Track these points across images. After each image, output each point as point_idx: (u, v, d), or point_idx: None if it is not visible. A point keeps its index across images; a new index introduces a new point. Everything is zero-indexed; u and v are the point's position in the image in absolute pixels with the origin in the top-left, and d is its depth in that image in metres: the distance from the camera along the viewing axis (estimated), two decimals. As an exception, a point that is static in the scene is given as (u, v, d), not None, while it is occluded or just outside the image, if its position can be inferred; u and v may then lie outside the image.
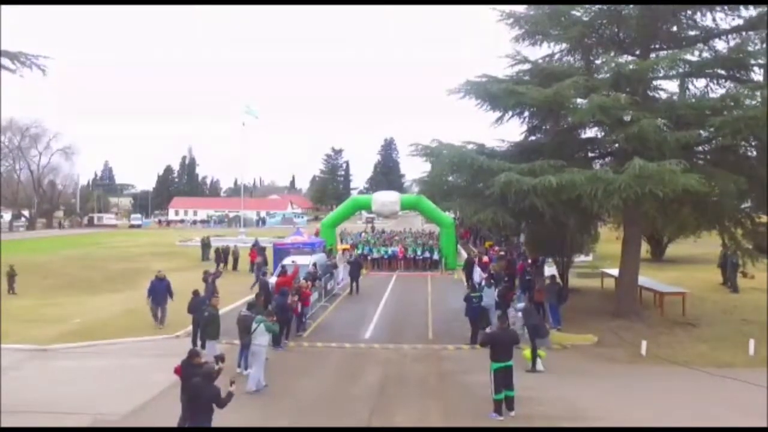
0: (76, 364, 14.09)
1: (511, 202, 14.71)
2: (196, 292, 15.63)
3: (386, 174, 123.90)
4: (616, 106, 14.64)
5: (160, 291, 17.31)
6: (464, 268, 27.85)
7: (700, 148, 16.96)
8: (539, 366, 13.18)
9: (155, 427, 9.80)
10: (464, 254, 34.50)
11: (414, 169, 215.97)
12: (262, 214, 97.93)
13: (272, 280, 20.05)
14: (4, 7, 12.26)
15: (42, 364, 14.07)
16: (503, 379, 10.40)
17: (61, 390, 11.99)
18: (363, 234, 42.04)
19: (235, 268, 31.58)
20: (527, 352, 13.08)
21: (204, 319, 13.62)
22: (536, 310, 15.15)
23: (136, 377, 12.83)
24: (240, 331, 12.95)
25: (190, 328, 15.95)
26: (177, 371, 9.23)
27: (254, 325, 12.19)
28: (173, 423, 9.16)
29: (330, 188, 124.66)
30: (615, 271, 21.17)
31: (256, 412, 10.85)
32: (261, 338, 12.04)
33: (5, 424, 9.88)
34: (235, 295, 21.68)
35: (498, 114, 18.26)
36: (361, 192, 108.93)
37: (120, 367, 13.61)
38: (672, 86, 17.90)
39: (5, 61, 10.95)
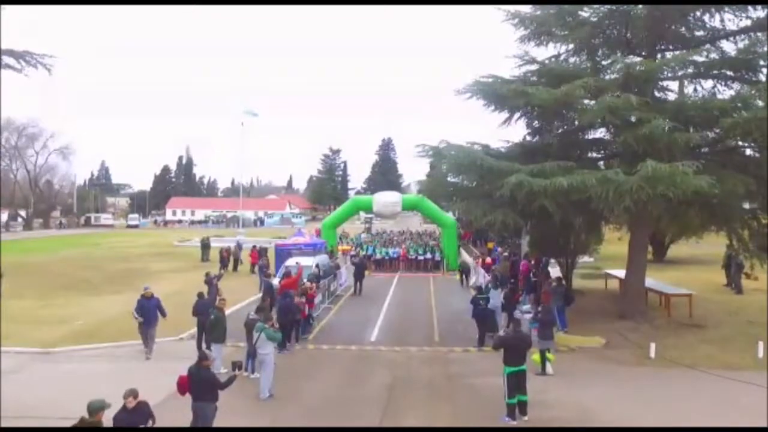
0: (80, 367, 13.94)
1: (520, 203, 14.60)
2: (200, 295, 15.46)
3: (384, 174, 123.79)
4: (626, 108, 14.55)
5: (149, 310, 14.94)
6: (460, 270, 28.30)
7: (707, 148, 16.89)
8: (548, 369, 13.10)
9: (164, 428, 9.66)
10: (465, 256, 34.47)
11: (412, 169, 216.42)
12: (260, 214, 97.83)
13: (275, 281, 19.90)
14: (3, 6, 12.13)
15: (46, 367, 13.91)
16: (516, 384, 10.33)
17: (66, 393, 11.81)
18: (363, 235, 41.96)
19: (235, 269, 31.41)
20: (536, 356, 12.99)
21: (210, 322, 13.48)
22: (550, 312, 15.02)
23: (141, 381, 12.59)
24: (247, 335, 12.83)
25: (193, 330, 15.82)
26: (181, 384, 9.03)
27: (255, 334, 12.04)
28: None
29: (328, 188, 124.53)
30: (618, 272, 21.11)
31: (265, 415, 10.75)
32: (265, 347, 11.84)
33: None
34: (237, 296, 21.54)
35: (505, 115, 18.16)
36: (358, 192, 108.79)
37: (124, 371, 13.43)
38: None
39: (10, 60, 10.80)
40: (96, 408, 7.14)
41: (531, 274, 21.37)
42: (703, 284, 23.37)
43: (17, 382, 12.60)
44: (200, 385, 8.94)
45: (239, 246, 33.57)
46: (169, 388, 11.28)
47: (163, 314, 15.10)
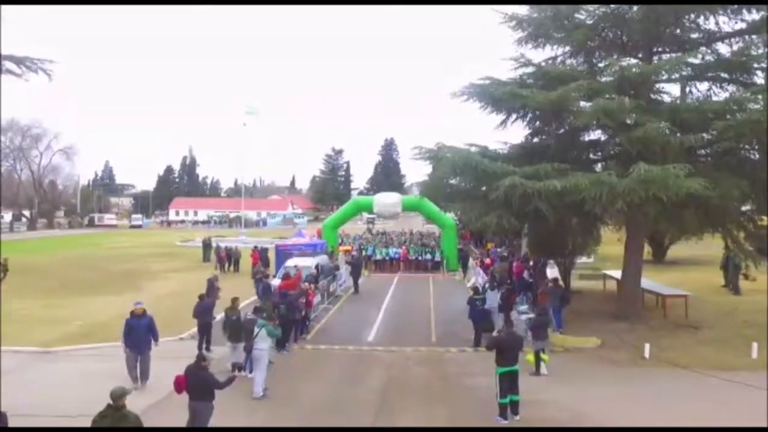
0: (80, 367, 14.06)
1: (515, 205, 14.73)
2: (201, 297, 15.60)
3: (387, 174, 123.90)
4: (620, 110, 14.66)
5: (139, 333, 12.32)
6: (460, 261, 29.26)
7: (702, 151, 16.98)
8: (543, 369, 13.20)
9: (164, 427, 9.80)
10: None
11: (414, 169, 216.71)
12: (263, 214, 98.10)
13: (275, 282, 20.04)
14: (3, 7, 12.24)
15: (45, 367, 14.05)
16: (509, 384, 10.44)
17: (66, 393, 11.98)
18: (364, 234, 42.08)
19: (236, 269, 31.42)
20: (530, 356, 13.09)
21: (231, 323, 13.57)
22: (546, 312, 15.15)
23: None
24: (245, 335, 12.94)
25: (193, 330, 15.97)
26: (178, 383, 9.15)
27: (256, 330, 12.18)
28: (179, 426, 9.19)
29: (330, 188, 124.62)
30: (616, 273, 21.18)
31: (261, 415, 10.88)
32: (262, 343, 12.02)
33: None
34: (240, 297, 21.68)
35: (502, 117, 18.29)
36: (361, 192, 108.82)
37: (124, 370, 13.58)
38: (675, 89, 17.93)
39: (11, 66, 10.96)
40: (119, 394, 7.40)
41: (524, 275, 21.48)
42: (702, 285, 23.41)
43: (19, 381, 12.74)
44: (198, 385, 9.05)
45: (218, 248, 33.96)
46: (168, 387, 11.41)
47: (155, 338, 12.69)
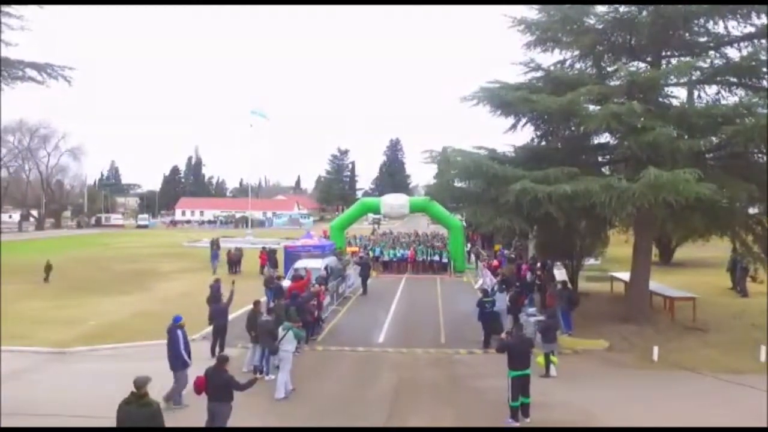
0: (96, 367, 14.27)
1: (526, 209, 14.84)
2: (217, 300, 15.80)
3: (392, 175, 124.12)
4: (629, 114, 14.74)
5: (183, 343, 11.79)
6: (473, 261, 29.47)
7: (710, 154, 17.05)
8: (552, 371, 13.33)
9: (183, 427, 9.97)
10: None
11: (420, 170, 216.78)
12: (269, 214, 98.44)
13: (285, 283, 20.19)
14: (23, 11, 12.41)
15: (62, 368, 14.25)
16: (520, 387, 10.55)
17: (83, 393, 12.17)
18: (371, 235, 42.22)
19: (237, 270, 31.10)
20: (540, 359, 13.21)
21: (259, 324, 13.63)
22: (554, 315, 15.28)
23: (156, 381, 12.91)
24: (262, 336, 13.07)
25: (204, 331, 16.15)
26: (198, 385, 9.31)
27: (282, 332, 12.32)
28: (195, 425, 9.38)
29: (336, 189, 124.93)
30: (624, 275, 21.29)
31: (274, 415, 11.03)
32: (288, 344, 12.21)
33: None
34: (246, 298, 21.85)
35: (511, 121, 18.40)
36: (366, 193, 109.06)
37: (139, 371, 13.70)
38: (683, 93, 18.00)
39: (32, 73, 11.20)
40: (142, 383, 7.72)
41: (527, 277, 21.61)
42: (709, 287, 23.46)
43: (36, 381, 12.96)
44: (218, 386, 9.21)
45: (212, 245, 34.27)
46: (185, 388, 11.64)
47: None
